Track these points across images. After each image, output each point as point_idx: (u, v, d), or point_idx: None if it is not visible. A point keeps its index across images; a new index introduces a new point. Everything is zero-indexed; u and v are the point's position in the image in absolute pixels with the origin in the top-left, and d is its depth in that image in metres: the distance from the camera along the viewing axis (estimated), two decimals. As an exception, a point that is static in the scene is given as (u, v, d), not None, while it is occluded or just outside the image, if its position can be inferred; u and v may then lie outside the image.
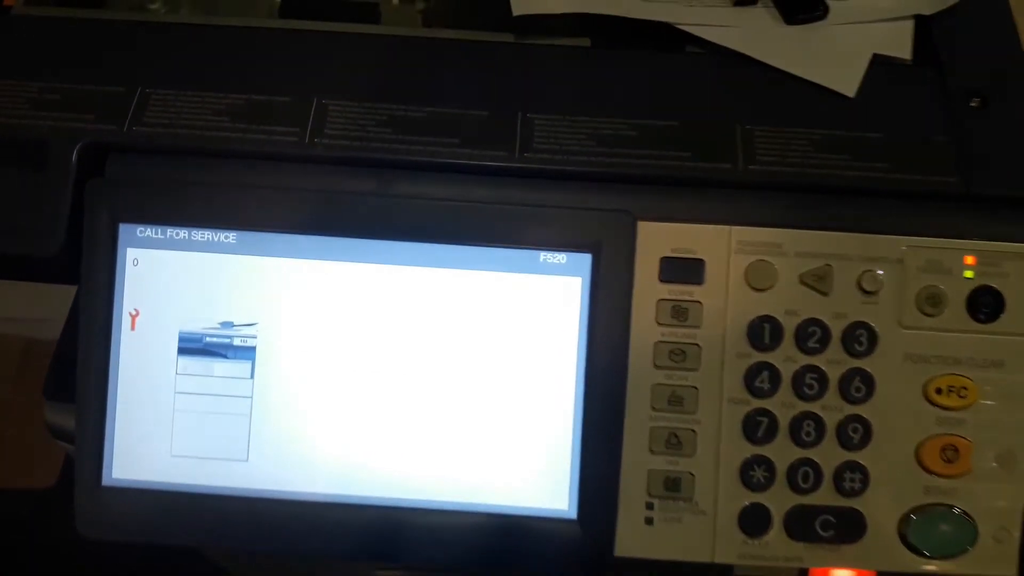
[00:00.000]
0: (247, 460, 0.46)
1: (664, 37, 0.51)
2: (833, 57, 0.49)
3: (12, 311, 1.04)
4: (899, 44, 0.50)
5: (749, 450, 0.45)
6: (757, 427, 0.45)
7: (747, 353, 0.45)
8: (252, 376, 0.46)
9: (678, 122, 0.47)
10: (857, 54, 0.49)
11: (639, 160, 0.46)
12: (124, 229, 0.46)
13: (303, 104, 0.47)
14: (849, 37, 0.50)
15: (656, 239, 0.45)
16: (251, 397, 0.46)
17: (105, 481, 0.46)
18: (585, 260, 0.45)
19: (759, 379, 0.45)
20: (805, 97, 0.48)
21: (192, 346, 0.46)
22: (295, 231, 0.46)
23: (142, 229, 0.46)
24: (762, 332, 0.45)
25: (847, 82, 0.49)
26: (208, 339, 0.46)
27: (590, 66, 0.50)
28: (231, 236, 0.46)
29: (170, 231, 0.46)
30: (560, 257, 0.46)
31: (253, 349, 0.45)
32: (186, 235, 0.46)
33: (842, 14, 0.51)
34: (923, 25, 0.50)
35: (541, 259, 0.46)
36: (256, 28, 0.51)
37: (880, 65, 0.49)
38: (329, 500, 0.45)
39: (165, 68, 0.48)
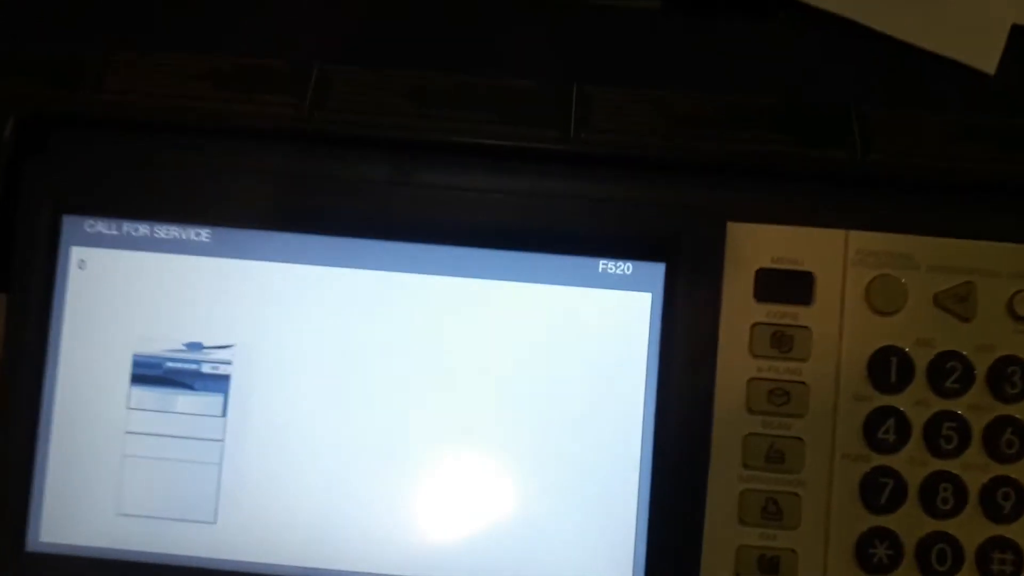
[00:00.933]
0: (215, 523, 0.37)
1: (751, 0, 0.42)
2: (966, 27, 0.41)
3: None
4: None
5: (869, 521, 0.37)
6: (879, 491, 0.36)
7: (867, 395, 0.37)
8: (224, 413, 0.37)
9: (777, 99, 0.38)
10: (994, 24, 0.41)
11: (729, 145, 0.38)
12: (68, 222, 0.38)
13: (302, 70, 0.39)
14: (983, 4, 0.41)
15: (751, 246, 0.37)
16: (223, 440, 0.37)
17: (30, 546, 0.37)
18: (657, 271, 0.38)
19: (882, 429, 0.37)
20: (934, 74, 0.40)
21: (149, 373, 0.38)
22: (286, 228, 0.38)
23: (91, 222, 0.38)
24: (887, 368, 0.37)
25: (984, 56, 0.41)
26: (170, 364, 0.38)
27: (663, 31, 0.41)
28: (204, 233, 0.38)
29: (126, 225, 0.38)
30: (624, 267, 0.38)
31: (227, 379, 0.37)
32: (147, 231, 0.38)
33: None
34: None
35: (600, 269, 0.38)
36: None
37: (1021, 37, 0.41)
38: (320, 576, 0.37)
39: (130, 23, 0.41)
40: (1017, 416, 0.36)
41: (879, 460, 0.37)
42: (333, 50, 0.40)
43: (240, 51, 0.39)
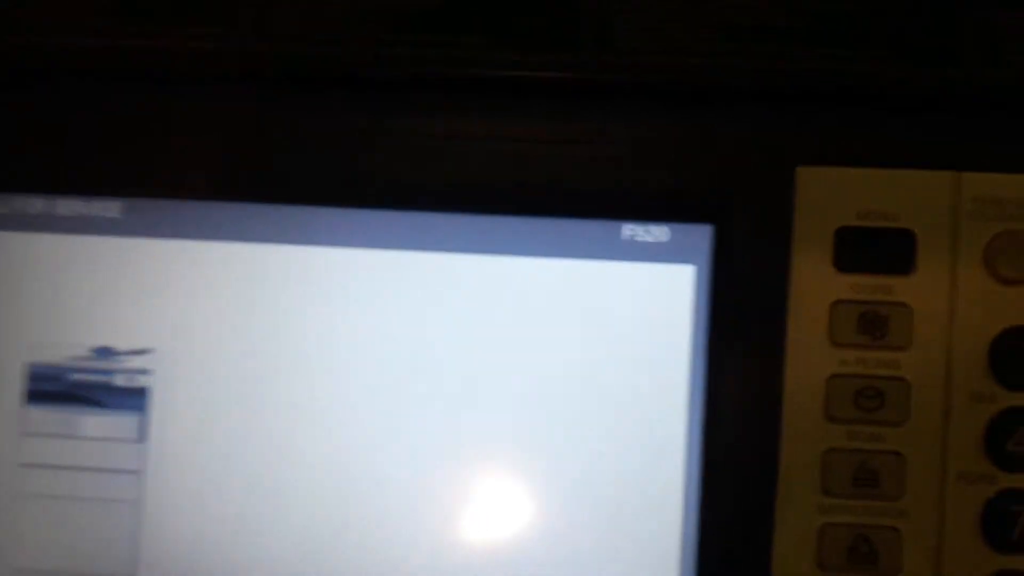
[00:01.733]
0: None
1: None
2: None
3: None
4: None
5: (995, 562, 0.28)
6: (1010, 523, 0.28)
7: (990, 394, 0.29)
8: (143, 438, 0.31)
9: (863, 2, 0.30)
10: None
11: (797, 64, 0.29)
12: None
13: None
14: None
15: (829, 197, 0.29)
16: (142, 472, 0.31)
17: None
18: (701, 236, 0.30)
19: (1013, 439, 0.28)
20: None
21: (48, 388, 0.31)
22: (221, 197, 0.31)
23: (-29, 197, 0.32)
24: (1017, 356, 0.28)
25: None
26: (74, 376, 0.31)
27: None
28: (114, 207, 0.31)
29: (15, 201, 0.32)
30: (658, 232, 0.30)
31: (145, 392, 0.31)
32: (41, 205, 0.31)
33: None
34: None
35: (625, 236, 0.30)
36: None
37: None
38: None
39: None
40: None
41: (1009, 481, 0.29)
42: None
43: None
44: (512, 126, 0.30)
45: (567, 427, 0.30)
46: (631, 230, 0.29)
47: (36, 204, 0.31)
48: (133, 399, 0.31)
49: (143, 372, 0.31)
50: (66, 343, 0.31)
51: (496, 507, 0.30)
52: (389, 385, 0.30)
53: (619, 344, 0.30)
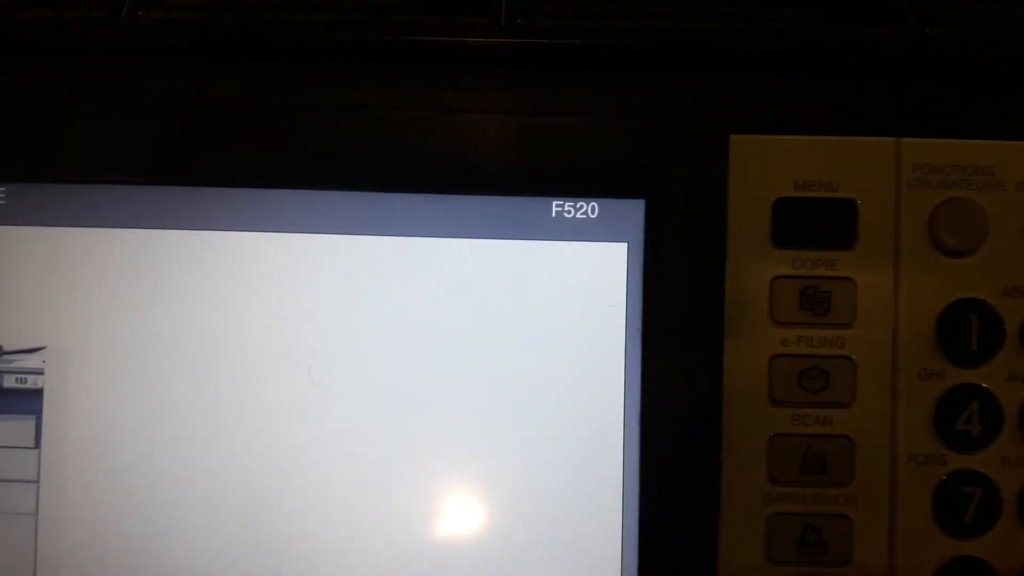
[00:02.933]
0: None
1: None
2: None
3: None
4: None
5: (949, 548, 0.27)
6: (963, 505, 0.27)
7: (939, 370, 0.27)
8: (38, 443, 0.28)
9: None
10: None
11: (729, 26, 0.28)
12: None
13: None
14: None
15: (765, 167, 0.27)
16: (38, 482, 0.28)
17: None
18: (633, 212, 0.28)
19: (963, 417, 0.27)
20: None
21: None
22: (111, 180, 0.28)
23: None
24: (965, 331, 0.27)
25: None
26: None
27: None
28: None
29: None
30: (587, 207, 0.28)
31: (39, 394, 0.28)
32: None
33: None
34: None
35: (554, 213, 0.28)
36: None
37: None
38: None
39: None
40: None
41: (959, 462, 0.27)
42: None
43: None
44: (435, 97, 0.28)
45: (500, 414, 0.28)
46: (559, 206, 0.27)
47: (-93, 192, 0.28)
48: (26, 400, 0.28)
49: (36, 372, 0.28)
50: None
51: (425, 501, 0.28)
52: (301, 378, 0.27)
53: (553, 328, 0.28)
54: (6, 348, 0.28)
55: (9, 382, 0.28)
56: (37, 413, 0.28)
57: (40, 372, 0.28)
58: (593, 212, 0.27)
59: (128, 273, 0.28)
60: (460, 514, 0.27)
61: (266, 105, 0.28)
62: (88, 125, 0.28)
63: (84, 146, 0.28)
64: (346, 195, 0.28)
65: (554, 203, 0.28)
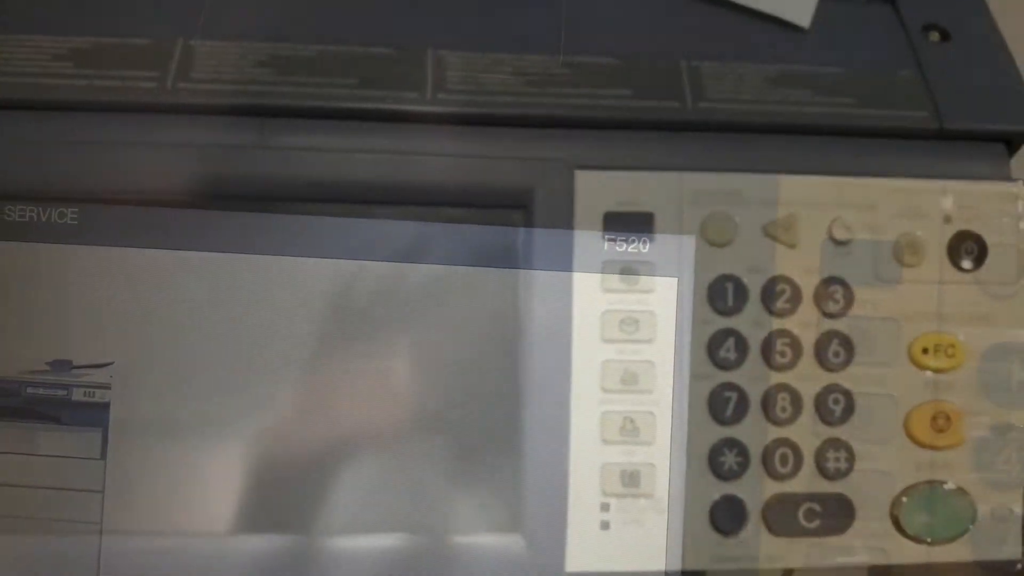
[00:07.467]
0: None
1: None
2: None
3: None
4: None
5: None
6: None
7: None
8: (104, 455, 0.29)
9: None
10: (807, -17, 0.44)
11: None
12: None
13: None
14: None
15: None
16: (102, 492, 0.29)
17: None
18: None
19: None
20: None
21: (2, 404, 0.29)
22: (181, 204, 0.33)
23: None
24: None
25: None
26: (30, 391, 0.29)
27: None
28: (70, 214, 0.31)
29: None
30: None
31: (106, 407, 0.29)
32: None
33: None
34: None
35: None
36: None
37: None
38: None
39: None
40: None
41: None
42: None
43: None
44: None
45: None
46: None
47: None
48: (93, 413, 0.28)
49: (103, 386, 0.28)
50: (20, 357, 0.28)
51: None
52: (357, 400, 0.31)
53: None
54: (76, 363, 0.29)
55: (78, 395, 0.28)
56: (103, 426, 0.28)
57: (107, 386, 0.28)
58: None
59: (191, 294, 0.30)
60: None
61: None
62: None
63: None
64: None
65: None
